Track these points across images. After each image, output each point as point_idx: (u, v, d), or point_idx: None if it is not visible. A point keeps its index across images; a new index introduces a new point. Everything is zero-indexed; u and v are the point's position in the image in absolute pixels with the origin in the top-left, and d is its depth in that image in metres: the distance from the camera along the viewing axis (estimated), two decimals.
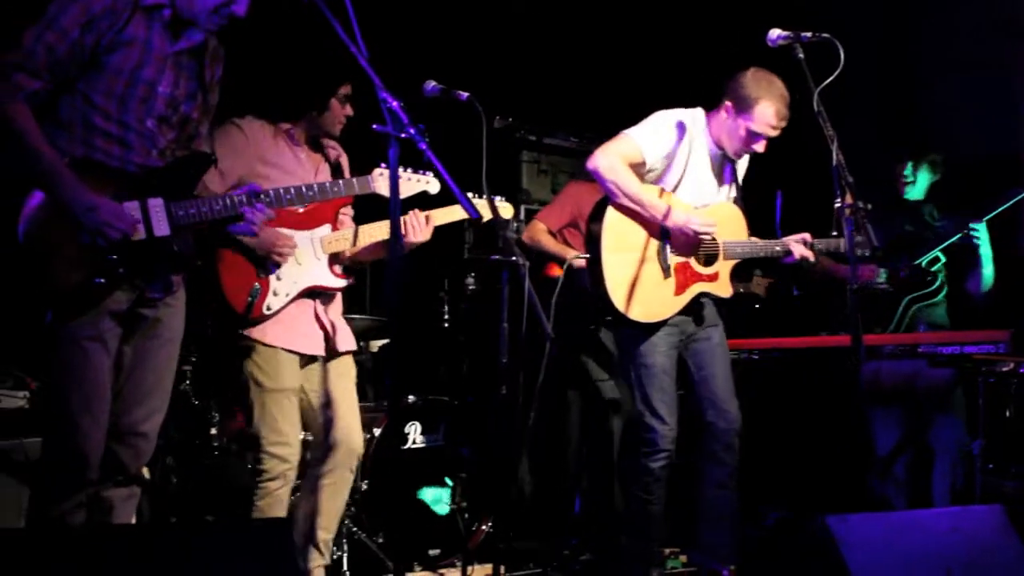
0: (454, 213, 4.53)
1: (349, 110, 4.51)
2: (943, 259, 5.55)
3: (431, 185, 4.34)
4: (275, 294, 4.29)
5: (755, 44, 4.30)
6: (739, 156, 4.71)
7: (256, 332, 4.28)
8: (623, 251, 4.54)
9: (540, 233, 5.72)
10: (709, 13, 6.44)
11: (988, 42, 6.51)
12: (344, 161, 4.67)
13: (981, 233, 5.44)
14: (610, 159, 4.50)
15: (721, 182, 4.74)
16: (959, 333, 5.09)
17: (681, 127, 4.60)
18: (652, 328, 4.54)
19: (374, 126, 3.32)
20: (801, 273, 5.42)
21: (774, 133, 4.55)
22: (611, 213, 4.56)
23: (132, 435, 3.58)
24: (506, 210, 4.72)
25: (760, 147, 4.59)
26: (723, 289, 4.65)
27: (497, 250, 4.61)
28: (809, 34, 4.13)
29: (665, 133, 4.59)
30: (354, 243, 4.45)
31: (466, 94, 4.37)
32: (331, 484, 4.41)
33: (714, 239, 4.57)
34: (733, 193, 4.78)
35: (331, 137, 4.57)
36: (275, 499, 4.29)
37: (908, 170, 5.73)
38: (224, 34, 3.67)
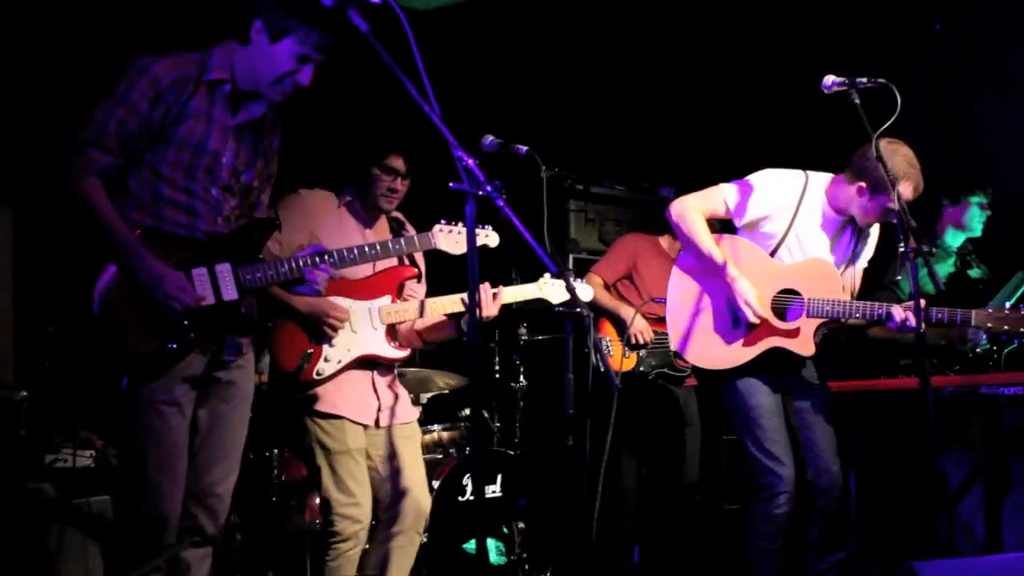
0: (525, 293, 4.59)
1: (399, 185, 4.50)
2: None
3: (490, 239, 4.36)
4: (326, 360, 4.31)
5: (807, 91, 4.33)
6: (870, 226, 4.62)
7: (315, 401, 4.30)
8: (690, 300, 4.56)
9: (595, 287, 5.73)
10: (751, 62, 6.48)
11: None
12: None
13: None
14: (684, 208, 4.53)
15: (836, 245, 4.61)
16: (1019, 374, 5.08)
17: (790, 190, 4.53)
18: (743, 372, 4.47)
19: (451, 184, 3.32)
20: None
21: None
22: (677, 267, 4.63)
23: (210, 496, 3.63)
24: (585, 291, 4.79)
25: (891, 218, 4.36)
26: (803, 347, 4.46)
27: (562, 303, 4.62)
28: (865, 80, 4.13)
29: (765, 195, 4.52)
30: (420, 314, 4.46)
31: (525, 148, 4.36)
32: (400, 547, 4.41)
33: (798, 294, 4.44)
34: (854, 261, 4.67)
35: (381, 211, 4.55)
36: (347, 560, 4.30)
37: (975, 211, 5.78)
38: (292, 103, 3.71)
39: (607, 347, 5.72)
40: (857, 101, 4.11)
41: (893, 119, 4.01)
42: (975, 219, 6.01)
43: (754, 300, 4.39)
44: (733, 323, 4.49)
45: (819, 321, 4.46)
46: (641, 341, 5.70)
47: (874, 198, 4.41)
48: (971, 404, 5.33)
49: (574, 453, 4.44)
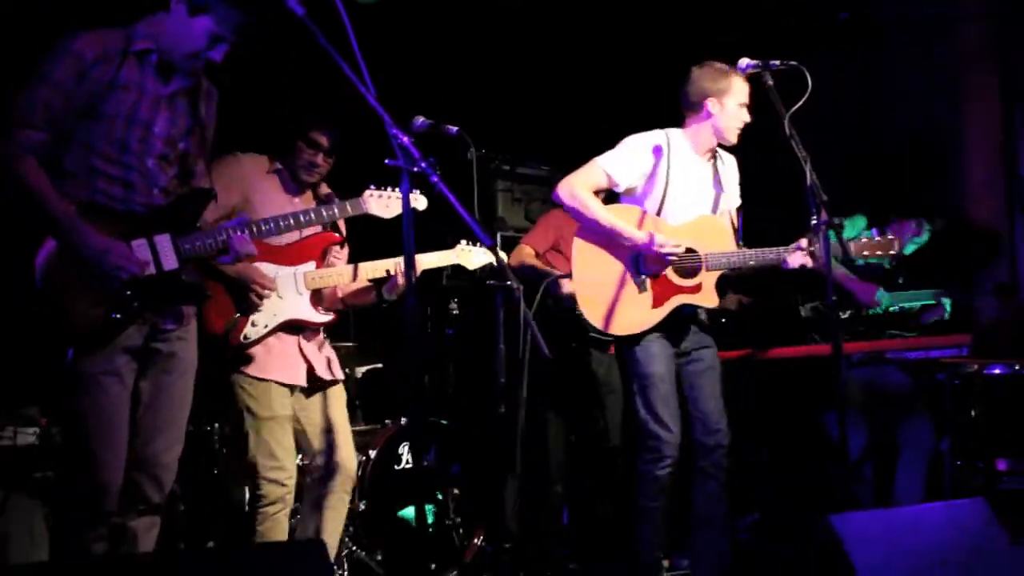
0: (443, 259, 4.74)
1: (321, 160, 4.60)
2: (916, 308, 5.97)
3: (419, 202, 4.46)
4: (253, 324, 4.40)
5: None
6: (735, 140, 4.80)
7: (241, 362, 4.40)
8: (593, 272, 4.69)
9: (527, 256, 5.91)
10: (677, 41, 6.67)
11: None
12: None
13: (948, 307, 5.93)
14: (571, 187, 4.69)
15: (709, 195, 4.83)
16: (924, 339, 5.37)
17: (656, 149, 4.72)
18: (645, 340, 4.64)
19: (387, 161, 3.43)
20: (806, 282, 5.56)
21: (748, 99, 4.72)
22: (577, 239, 4.76)
23: (154, 466, 3.68)
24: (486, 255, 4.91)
25: (748, 116, 4.73)
26: (708, 300, 4.70)
27: (491, 275, 4.79)
28: (777, 62, 4.34)
29: (635, 155, 4.72)
30: (354, 278, 4.59)
31: (456, 128, 4.52)
32: (331, 507, 4.52)
33: (695, 251, 4.66)
34: (727, 203, 4.89)
35: (304, 183, 4.65)
36: (275, 522, 4.40)
37: (924, 236, 6.06)
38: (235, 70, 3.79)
39: None
40: (770, 82, 4.30)
41: (804, 99, 4.19)
42: (912, 244, 6.25)
43: (663, 240, 4.55)
44: (640, 286, 4.65)
45: (718, 273, 4.69)
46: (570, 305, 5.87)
47: (722, 105, 4.68)
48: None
49: (506, 421, 4.63)
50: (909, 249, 6.16)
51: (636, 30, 7.09)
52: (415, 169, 3.37)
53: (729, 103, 4.68)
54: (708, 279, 4.69)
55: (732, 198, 4.94)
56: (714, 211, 4.83)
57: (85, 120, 3.51)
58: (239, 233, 3.77)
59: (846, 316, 5.92)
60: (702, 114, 4.73)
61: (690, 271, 4.68)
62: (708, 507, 4.69)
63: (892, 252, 4.55)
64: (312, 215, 4.19)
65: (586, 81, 7.20)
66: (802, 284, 5.90)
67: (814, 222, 4.31)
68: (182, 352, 3.76)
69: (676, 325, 4.72)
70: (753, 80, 4.50)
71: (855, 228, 6.13)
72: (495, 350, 4.70)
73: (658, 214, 4.72)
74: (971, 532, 3.79)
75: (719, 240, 4.72)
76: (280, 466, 4.40)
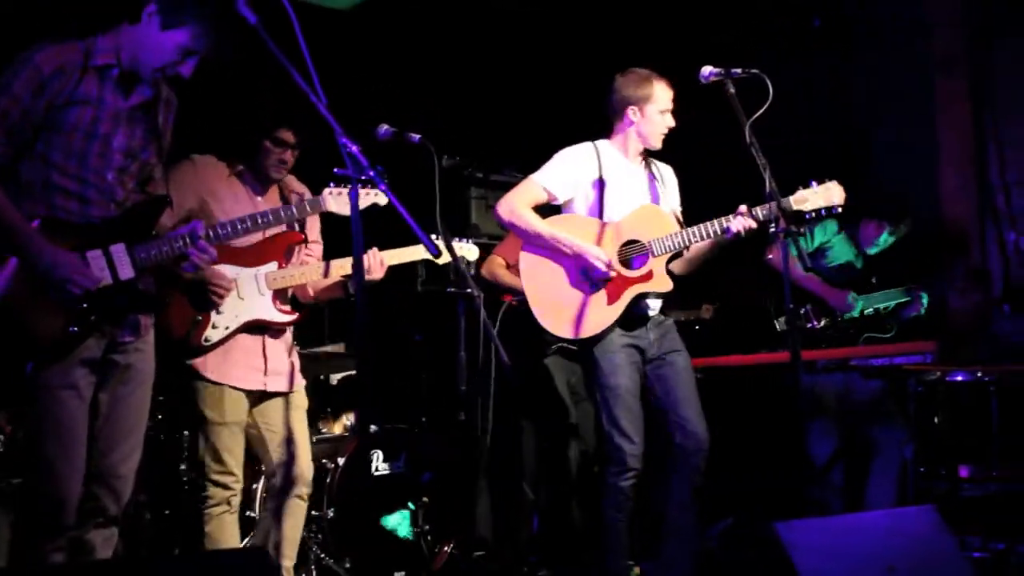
0: (409, 255, 4.72)
1: (287, 156, 4.61)
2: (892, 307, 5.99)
3: (379, 198, 4.46)
4: (214, 327, 4.41)
5: (689, 82, 4.53)
6: (659, 145, 4.82)
7: (199, 365, 4.41)
8: (544, 283, 4.73)
9: (498, 267, 5.94)
10: (644, 50, 6.69)
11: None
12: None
13: (925, 301, 5.99)
14: (510, 204, 4.77)
15: (646, 195, 4.83)
16: (888, 346, 5.38)
17: (588, 158, 4.78)
18: (611, 350, 4.64)
19: (335, 170, 3.45)
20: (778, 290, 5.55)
21: (671, 102, 4.76)
22: (523, 255, 4.82)
23: (112, 477, 3.69)
24: (471, 252, 4.98)
25: (671, 121, 4.77)
26: (661, 284, 4.68)
27: (452, 283, 4.82)
28: (739, 70, 4.34)
29: (568, 167, 4.78)
30: (325, 274, 4.60)
31: (418, 136, 4.54)
32: (289, 512, 4.54)
33: (638, 241, 4.66)
34: (667, 203, 4.87)
35: (272, 180, 4.66)
36: (221, 523, 4.45)
37: (884, 238, 6.07)
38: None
39: None
40: (732, 90, 4.30)
41: (765, 107, 4.19)
42: (879, 244, 6.25)
43: (601, 253, 4.60)
44: (592, 288, 4.66)
45: (666, 257, 4.68)
46: None
47: (642, 113, 4.75)
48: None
49: (467, 427, 4.65)
50: (872, 251, 6.17)
51: (610, 38, 7.10)
52: (363, 177, 3.39)
53: (650, 110, 4.73)
54: (657, 265, 4.67)
55: (672, 201, 4.95)
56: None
57: (44, 132, 3.51)
58: (194, 247, 3.75)
59: (822, 324, 5.94)
60: (624, 122, 4.79)
61: (636, 261, 4.68)
62: (680, 516, 4.68)
63: (835, 202, 4.48)
64: (271, 216, 4.19)
65: (560, 88, 7.21)
66: (774, 291, 5.91)
67: (772, 230, 4.35)
68: (139, 363, 3.77)
69: (637, 324, 4.71)
70: (715, 88, 4.49)
71: (825, 232, 6.15)
72: (456, 357, 4.72)
73: (599, 218, 4.74)
74: (919, 539, 3.80)
75: (661, 226, 4.70)
76: (226, 471, 4.45)
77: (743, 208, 4.53)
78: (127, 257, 3.62)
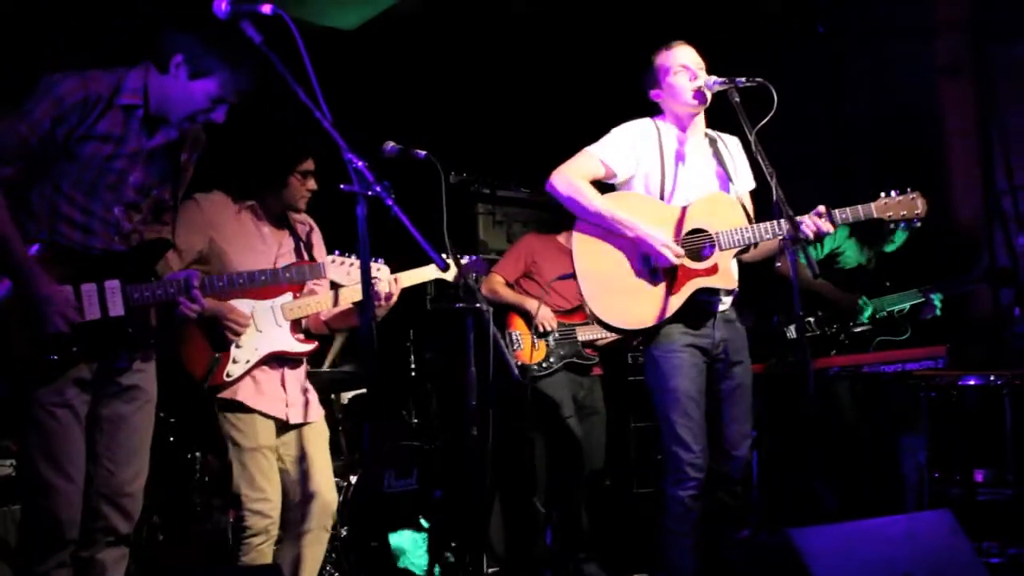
0: (420, 275, 4.67)
1: (312, 184, 4.61)
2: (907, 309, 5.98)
3: (382, 271, 4.49)
4: (235, 362, 4.40)
5: None
6: (698, 109, 4.50)
7: (228, 391, 4.40)
8: (598, 265, 4.40)
9: (498, 285, 5.97)
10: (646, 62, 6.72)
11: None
12: (316, 237, 4.79)
13: (938, 303, 5.96)
14: (566, 178, 4.44)
15: (712, 176, 4.55)
16: (900, 352, 5.36)
17: (647, 131, 4.51)
18: (674, 347, 4.36)
19: (341, 186, 3.45)
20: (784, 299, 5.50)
21: (691, 58, 4.48)
22: (577, 234, 4.48)
23: (120, 496, 3.69)
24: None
25: (701, 79, 4.43)
26: (726, 281, 4.40)
27: (461, 299, 4.81)
28: (744, 79, 4.28)
29: (629, 140, 4.49)
30: (335, 303, 4.57)
31: (424, 152, 4.55)
32: (310, 544, 4.51)
33: (704, 231, 4.38)
34: (737, 185, 4.56)
35: (295, 211, 4.67)
36: (259, 554, 4.39)
37: (899, 234, 6.08)
38: None
39: (517, 340, 5.91)
40: (737, 99, 4.25)
41: (770, 116, 4.12)
42: (895, 242, 6.22)
43: (669, 241, 4.31)
44: (651, 276, 4.37)
45: (733, 252, 4.42)
46: (548, 329, 5.90)
47: (672, 82, 4.47)
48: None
49: (477, 443, 4.62)
50: (889, 248, 6.15)
51: (615, 53, 7.11)
52: (370, 193, 3.38)
53: (671, 77, 4.47)
54: (723, 259, 4.39)
55: (743, 179, 4.65)
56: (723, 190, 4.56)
57: (60, 160, 3.52)
58: (185, 295, 3.73)
59: (833, 330, 5.92)
60: (663, 90, 4.52)
61: (702, 252, 4.40)
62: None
63: (918, 212, 4.32)
64: (268, 275, 4.16)
65: (567, 102, 7.23)
66: (780, 302, 5.89)
67: (781, 238, 4.30)
68: (143, 384, 3.77)
69: (702, 320, 4.41)
70: (720, 97, 4.46)
71: (835, 239, 6.13)
72: (465, 373, 4.70)
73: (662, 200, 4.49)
74: (935, 544, 3.78)
75: (730, 217, 4.41)
76: (264, 497, 4.39)
77: (821, 208, 4.28)
78: (120, 295, 3.61)
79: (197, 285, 3.74)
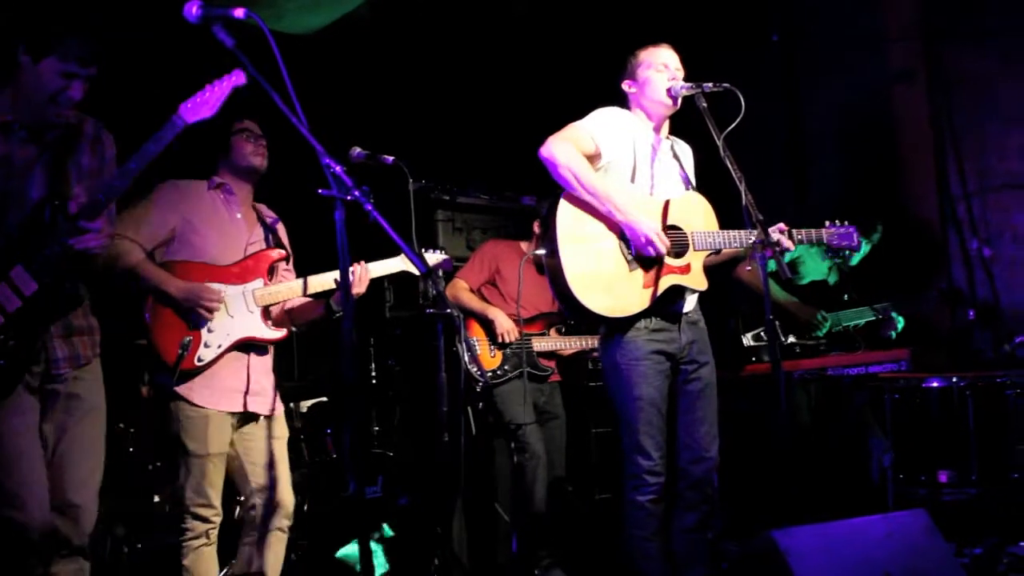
0: (390, 267, 4.69)
1: (262, 147, 4.60)
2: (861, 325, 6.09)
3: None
4: (206, 346, 4.37)
5: None
6: (666, 108, 4.44)
7: (184, 390, 4.35)
8: (581, 242, 4.27)
9: (461, 291, 5.91)
10: (608, 69, 6.75)
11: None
12: (281, 229, 4.78)
13: (900, 321, 6.09)
14: (565, 147, 4.24)
15: (676, 174, 4.55)
16: (864, 354, 5.42)
17: (625, 118, 4.45)
18: (636, 354, 4.29)
19: (320, 191, 3.43)
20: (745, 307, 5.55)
21: (672, 61, 4.48)
22: (564, 204, 4.29)
23: (67, 506, 3.68)
24: (435, 258, 4.95)
25: (680, 76, 4.45)
26: (697, 282, 4.38)
27: (432, 304, 4.80)
28: (711, 84, 4.31)
29: (615, 122, 4.40)
30: (304, 291, 4.56)
31: (391, 158, 4.54)
32: (270, 544, 4.48)
33: (680, 229, 4.35)
34: (687, 185, 4.55)
35: (254, 173, 4.63)
36: (199, 556, 4.39)
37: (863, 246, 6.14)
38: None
39: (475, 346, 5.86)
40: (704, 104, 4.25)
41: (737, 121, 4.17)
42: (859, 254, 6.29)
43: (661, 233, 4.25)
44: (629, 264, 4.29)
45: (705, 254, 4.41)
46: (508, 340, 5.87)
47: (647, 77, 4.45)
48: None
49: (449, 449, 4.60)
50: (854, 261, 6.23)
51: (574, 58, 7.16)
52: (348, 198, 3.37)
53: (644, 72, 4.47)
54: (696, 260, 4.38)
55: (692, 181, 4.64)
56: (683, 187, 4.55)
57: None
58: (75, 235, 3.60)
59: (789, 341, 5.97)
60: (629, 95, 4.53)
61: (681, 250, 4.36)
62: (688, 544, 4.40)
63: (853, 246, 4.59)
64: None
65: (525, 107, 7.23)
66: (740, 309, 5.94)
67: (751, 242, 4.32)
68: (84, 393, 3.76)
69: (670, 322, 4.38)
70: (688, 102, 4.48)
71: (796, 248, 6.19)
72: (436, 378, 4.68)
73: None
74: (914, 543, 3.84)
75: (705, 220, 4.43)
76: (207, 503, 4.39)
77: (782, 226, 4.40)
78: (26, 274, 3.58)
79: (76, 211, 3.62)
